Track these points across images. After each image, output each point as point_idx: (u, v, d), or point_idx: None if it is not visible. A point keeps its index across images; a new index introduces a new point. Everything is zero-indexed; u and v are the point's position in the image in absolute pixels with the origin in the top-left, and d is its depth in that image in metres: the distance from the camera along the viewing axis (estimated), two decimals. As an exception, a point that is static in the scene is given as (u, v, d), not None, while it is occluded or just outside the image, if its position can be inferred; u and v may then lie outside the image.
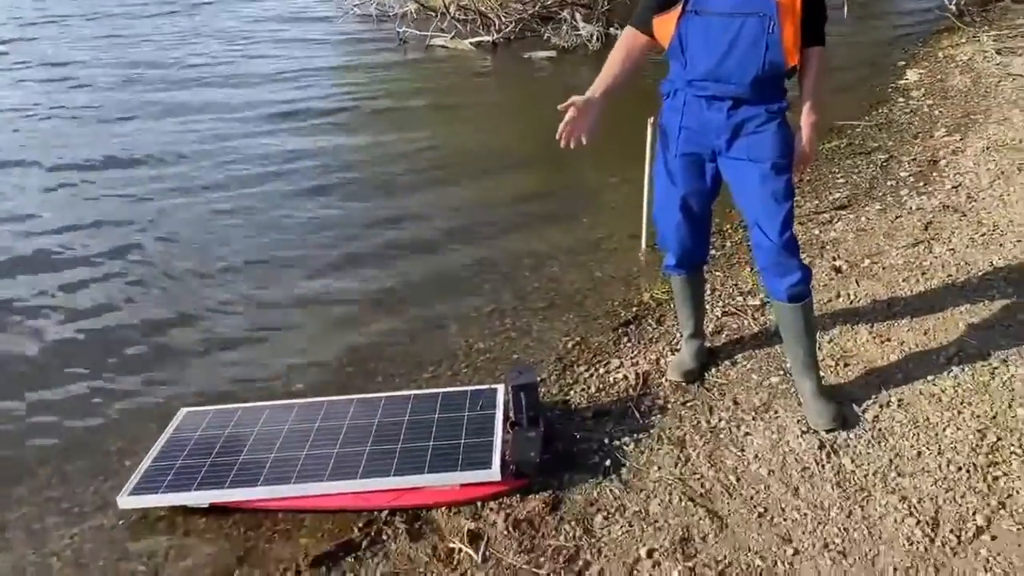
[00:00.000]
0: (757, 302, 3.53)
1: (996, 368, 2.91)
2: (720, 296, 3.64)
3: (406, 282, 4.08)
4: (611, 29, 8.74)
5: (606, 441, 2.72)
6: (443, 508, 2.44)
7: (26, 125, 6.67)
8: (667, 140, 2.66)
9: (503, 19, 9.11)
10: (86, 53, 9.18)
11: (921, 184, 4.70)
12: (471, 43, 9.00)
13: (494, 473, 2.45)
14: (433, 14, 9.57)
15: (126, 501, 2.48)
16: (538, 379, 2.70)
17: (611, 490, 2.51)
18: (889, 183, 4.78)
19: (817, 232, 4.21)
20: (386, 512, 2.43)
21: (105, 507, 2.55)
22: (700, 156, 2.63)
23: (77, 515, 2.55)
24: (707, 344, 3.19)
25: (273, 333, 3.65)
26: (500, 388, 2.84)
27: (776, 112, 2.51)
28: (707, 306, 3.54)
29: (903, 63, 7.74)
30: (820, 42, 2.49)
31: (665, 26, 2.50)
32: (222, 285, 4.08)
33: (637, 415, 2.86)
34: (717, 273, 3.86)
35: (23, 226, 4.77)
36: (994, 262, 3.65)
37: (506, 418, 2.70)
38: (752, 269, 3.87)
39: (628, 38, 2.61)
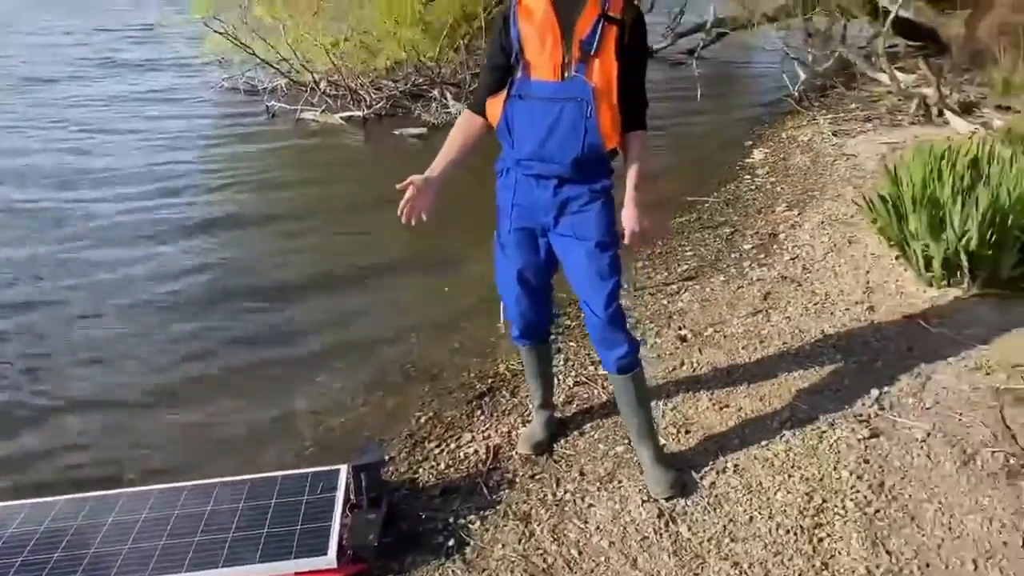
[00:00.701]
0: (604, 372, 3.60)
1: (824, 431, 3.05)
2: (573, 365, 3.70)
3: (255, 359, 3.97)
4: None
5: (451, 520, 2.69)
6: (276, 599, 2.33)
7: None
8: (501, 216, 2.73)
9: (373, 95, 9.20)
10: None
11: (762, 256, 4.97)
12: (341, 117, 9.03)
13: (330, 560, 2.37)
14: (304, 89, 9.56)
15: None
16: (383, 458, 2.65)
17: (453, 571, 2.47)
18: (733, 255, 5.03)
19: (665, 303, 4.37)
20: (215, 607, 2.31)
21: None
22: (533, 231, 2.70)
23: None
24: (557, 414, 3.22)
25: (103, 415, 3.46)
26: (343, 469, 2.76)
27: (599, 191, 2.61)
28: (559, 376, 3.60)
29: (750, 143, 8.22)
30: (640, 126, 2.62)
31: (494, 108, 2.59)
32: (58, 364, 3.86)
33: (485, 491, 2.84)
34: (571, 343, 3.93)
35: None
36: (825, 330, 3.86)
37: (347, 500, 2.62)
38: (603, 340, 3.96)
39: (465, 120, 2.69)
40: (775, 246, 5.14)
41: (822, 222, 5.45)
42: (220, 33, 8.95)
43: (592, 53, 2.47)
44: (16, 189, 5.99)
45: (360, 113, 9.04)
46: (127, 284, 4.81)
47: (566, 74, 2.49)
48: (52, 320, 4.35)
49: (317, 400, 3.57)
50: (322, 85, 9.43)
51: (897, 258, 4.47)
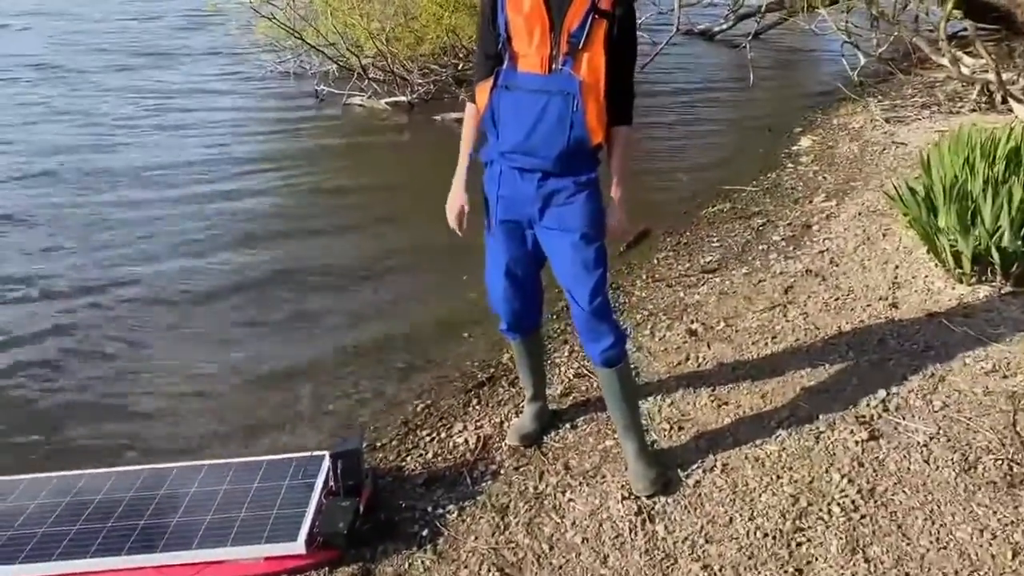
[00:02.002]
0: (609, 365, 3.55)
1: (822, 432, 2.96)
2: (576, 357, 3.66)
3: (267, 341, 4.04)
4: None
5: (430, 509, 2.70)
6: (246, 582, 2.37)
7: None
8: (488, 208, 2.70)
9: (419, 81, 9.22)
10: None
11: (791, 248, 4.83)
12: (387, 102, 9.08)
13: (299, 546, 2.40)
14: (352, 73, 9.64)
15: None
16: (360, 447, 2.66)
17: (423, 561, 2.48)
18: (761, 247, 4.90)
19: (682, 295, 4.29)
20: (187, 586, 2.36)
21: None
22: (519, 223, 2.66)
23: None
24: (550, 407, 3.20)
25: (109, 394, 3.57)
26: (327, 456, 2.79)
27: (584, 184, 2.56)
28: (561, 366, 3.58)
29: (799, 129, 8.00)
30: (626, 121, 2.57)
31: (482, 96, 2.56)
32: (63, 340, 3.99)
33: (469, 481, 2.84)
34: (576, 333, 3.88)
35: None
36: (842, 327, 3.74)
37: (326, 487, 2.65)
38: (612, 332, 3.91)
39: (471, 113, 2.67)
40: (806, 238, 4.99)
41: (859, 213, 5.27)
42: (269, 19, 9.05)
43: (580, 47, 2.42)
44: (64, 184, 6.09)
45: (405, 98, 9.07)
46: (163, 264, 4.93)
47: (553, 67, 2.45)
48: (110, 303, 4.46)
49: (321, 384, 3.62)
50: (369, 71, 9.49)
51: (928, 252, 4.29)
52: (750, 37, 10.17)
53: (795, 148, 7.34)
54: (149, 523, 2.53)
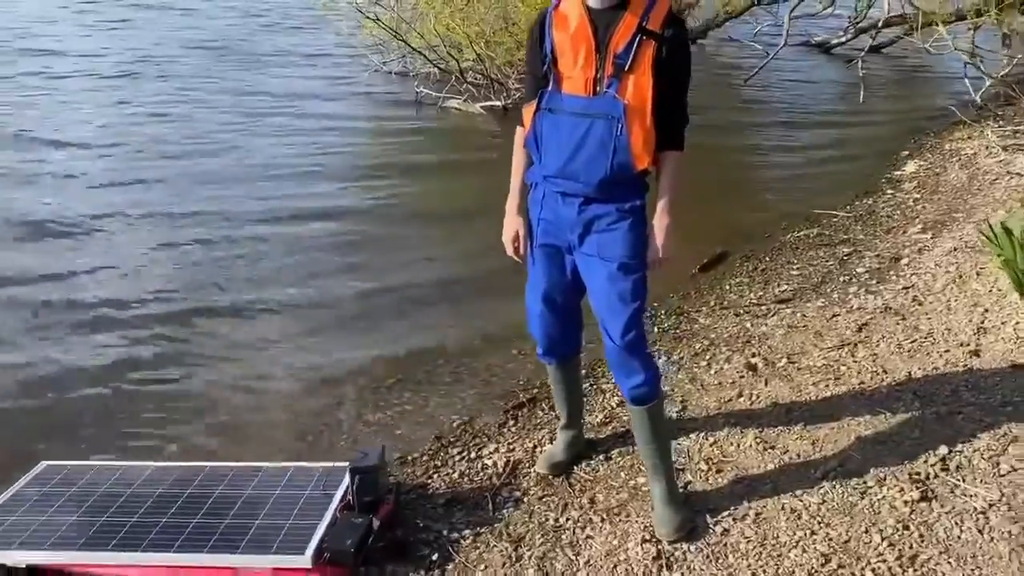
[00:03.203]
0: (656, 395, 3.43)
1: (869, 488, 2.77)
2: (625, 386, 3.55)
3: (324, 344, 4.09)
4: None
5: (445, 532, 2.66)
6: (251, 590, 2.39)
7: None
8: (531, 231, 2.64)
9: (514, 86, 9.23)
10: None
11: (874, 282, 4.57)
12: (482, 107, 9.12)
13: (305, 560, 2.40)
14: (451, 76, 9.73)
15: (-53, 553, 2.49)
16: (377, 464, 2.64)
17: (429, 587, 2.44)
18: (842, 278, 4.66)
19: (748, 325, 4.11)
20: (196, 589, 2.40)
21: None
22: (559, 248, 2.60)
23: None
24: (587, 435, 3.11)
25: (160, 389, 3.68)
26: (348, 468, 2.79)
27: (628, 211, 2.47)
28: (606, 393, 3.49)
29: (906, 153, 7.59)
30: (677, 147, 2.46)
31: (527, 117, 2.51)
32: (127, 335, 4.12)
33: (490, 506, 2.79)
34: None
35: None
36: (913, 373, 3.50)
37: (344, 501, 2.65)
38: (666, 359, 3.79)
39: (520, 137, 2.60)
40: (892, 272, 4.72)
41: (954, 248, 4.95)
42: (374, 20, 9.22)
43: (626, 69, 2.33)
44: (166, 187, 6.27)
45: (500, 103, 9.09)
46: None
47: (598, 89, 2.37)
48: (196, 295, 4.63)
49: (365, 392, 3.64)
50: (468, 74, 9.56)
51: (1021, 298, 3.97)
52: (864, 52, 9.69)
53: (898, 173, 6.97)
54: (172, 521, 2.58)
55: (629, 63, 2.33)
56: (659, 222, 2.49)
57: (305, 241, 5.33)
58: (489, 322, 4.27)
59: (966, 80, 9.42)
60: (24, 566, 2.47)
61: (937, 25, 9.03)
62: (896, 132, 8.58)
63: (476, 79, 9.66)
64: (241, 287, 4.61)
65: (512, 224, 2.63)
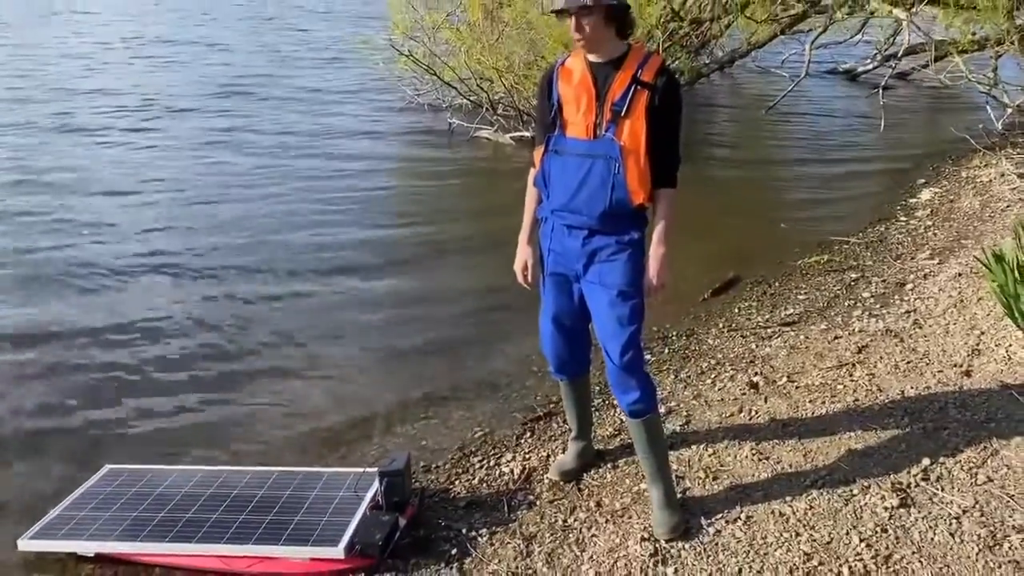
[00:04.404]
0: (664, 410, 3.70)
1: (854, 495, 3.01)
2: (635, 402, 3.82)
3: (363, 361, 4.44)
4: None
5: (464, 531, 2.95)
6: (295, 577, 2.71)
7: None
8: (542, 261, 2.95)
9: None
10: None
11: (877, 306, 4.79)
12: (512, 137, 9.49)
13: (338, 551, 2.71)
14: (482, 108, 10.12)
15: (26, 544, 2.83)
16: (401, 468, 2.94)
17: (447, 577, 2.73)
18: (847, 303, 4.89)
19: (754, 346, 4.37)
20: (244, 576, 2.72)
21: (7, 548, 2.90)
22: (567, 277, 2.89)
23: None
24: (597, 446, 3.39)
25: (210, 406, 4.02)
26: (377, 473, 3.10)
27: (627, 243, 2.76)
28: (615, 409, 3.75)
29: (923, 181, 7.79)
30: (670, 184, 2.75)
31: (537, 158, 2.83)
32: (181, 352, 4.49)
33: (506, 508, 3.07)
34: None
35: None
36: (905, 391, 3.73)
37: (374, 501, 2.96)
38: (674, 377, 4.06)
39: (532, 177, 2.90)
40: (896, 296, 4.94)
41: (959, 274, 5.16)
42: (407, 55, 9.65)
43: (623, 115, 2.64)
44: (209, 230, 6.41)
45: (529, 133, 9.43)
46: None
47: (598, 133, 2.68)
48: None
49: (393, 406, 3.95)
50: (498, 107, 9.94)
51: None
52: (884, 81, 9.90)
53: (913, 200, 7.18)
54: (221, 517, 2.91)
55: (625, 109, 2.64)
56: (654, 252, 2.77)
57: (340, 277, 5.63)
58: (509, 344, 4.56)
59: (987, 108, 9.59)
60: (92, 554, 2.81)
61: (952, 55, 9.21)
62: (916, 160, 8.78)
63: (506, 111, 10.05)
64: (281, 319, 4.94)
65: (522, 254, 2.94)
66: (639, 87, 2.64)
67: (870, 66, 13.88)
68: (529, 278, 2.95)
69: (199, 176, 7.82)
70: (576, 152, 2.72)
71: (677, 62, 10.17)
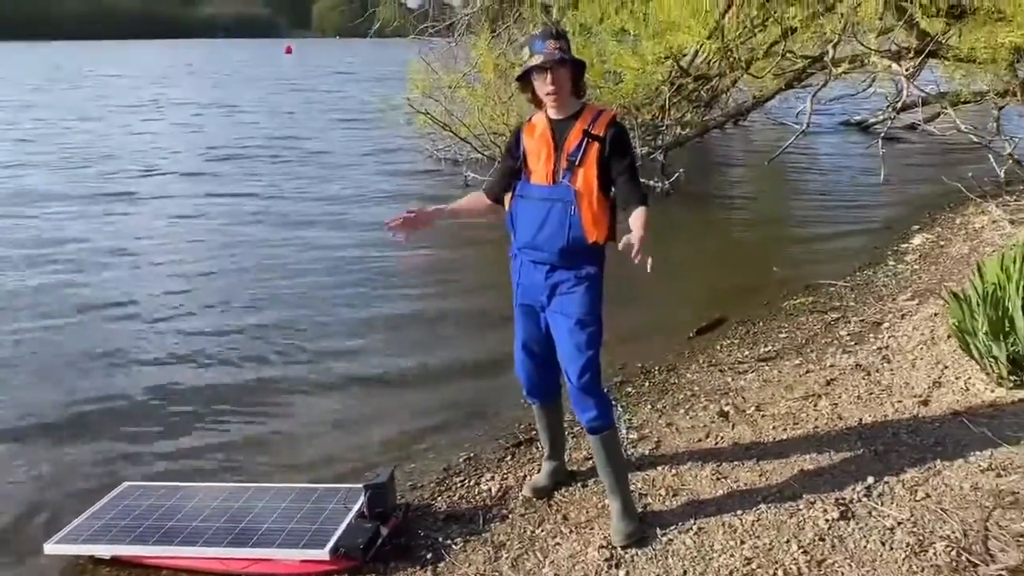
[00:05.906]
0: (636, 436, 3.99)
1: (799, 509, 3.26)
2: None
3: (363, 390, 4.81)
4: (666, 183, 9.15)
5: (441, 539, 3.25)
6: (287, 577, 3.03)
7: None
8: (513, 293, 3.30)
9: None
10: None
11: (852, 343, 5.06)
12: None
13: (324, 553, 3.03)
14: (495, 161, 10.59)
15: (51, 548, 3.19)
16: (384, 483, 3.26)
17: (422, 578, 3.04)
18: (823, 341, 5.16)
19: (729, 380, 4.65)
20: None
21: (36, 552, 3.26)
22: (534, 307, 3.24)
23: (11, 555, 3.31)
24: (566, 466, 3.68)
25: (216, 429, 4.41)
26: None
27: (584, 277, 3.10)
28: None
29: (917, 227, 8.05)
30: (642, 203, 2.97)
31: (507, 202, 3.21)
32: (190, 389, 4.89)
33: (481, 521, 3.37)
34: (620, 406, 4.34)
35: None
36: (863, 419, 3.98)
37: (359, 512, 3.28)
38: (650, 408, 4.35)
39: (475, 194, 3.36)
40: (872, 335, 5.20)
41: (935, 314, 5.40)
42: (424, 114, 10.19)
43: (577, 164, 3.02)
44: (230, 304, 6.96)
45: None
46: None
47: (556, 179, 3.06)
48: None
49: (391, 430, 4.30)
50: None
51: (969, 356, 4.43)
52: (883, 132, 10.23)
53: (904, 245, 7.44)
54: (223, 525, 3.24)
55: (579, 159, 3.01)
56: (635, 220, 2.89)
57: (346, 320, 6.08)
58: (497, 376, 4.89)
59: (989, 157, 9.86)
60: (109, 557, 3.15)
61: (945, 108, 9.53)
62: (914, 207, 9.07)
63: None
64: (284, 361, 5.34)
65: (428, 207, 3.29)
66: (591, 140, 3.02)
67: (880, 118, 14.23)
68: (392, 224, 3.17)
69: (215, 250, 8.06)
70: (538, 196, 3.09)
71: (683, 116, 10.60)
